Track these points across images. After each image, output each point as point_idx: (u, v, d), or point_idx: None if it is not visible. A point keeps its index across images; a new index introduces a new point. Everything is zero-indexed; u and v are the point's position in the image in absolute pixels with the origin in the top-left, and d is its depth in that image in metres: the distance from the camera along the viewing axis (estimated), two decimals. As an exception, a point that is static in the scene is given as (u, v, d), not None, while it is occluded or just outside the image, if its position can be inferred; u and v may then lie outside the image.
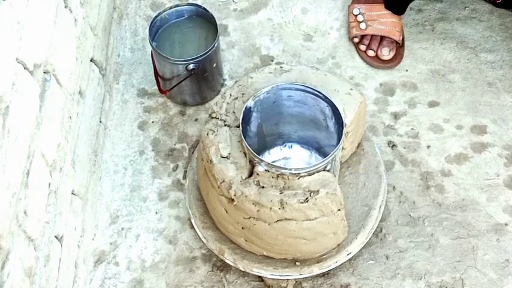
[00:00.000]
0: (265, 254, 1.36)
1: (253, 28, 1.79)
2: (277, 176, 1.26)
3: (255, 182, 1.27)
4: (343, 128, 1.29)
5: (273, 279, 1.37)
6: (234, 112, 1.36)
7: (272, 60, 1.73)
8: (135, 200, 1.52)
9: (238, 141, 1.32)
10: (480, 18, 1.78)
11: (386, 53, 1.69)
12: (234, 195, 1.26)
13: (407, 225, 1.47)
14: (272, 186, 1.26)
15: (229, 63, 1.73)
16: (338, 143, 1.28)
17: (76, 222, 1.34)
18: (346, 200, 1.35)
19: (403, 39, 1.73)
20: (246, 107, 1.31)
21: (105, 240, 1.47)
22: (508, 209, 1.49)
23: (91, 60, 1.49)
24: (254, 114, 1.35)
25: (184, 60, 1.53)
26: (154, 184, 1.54)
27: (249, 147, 1.26)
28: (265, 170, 1.27)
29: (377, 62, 1.71)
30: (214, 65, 1.59)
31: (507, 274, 1.40)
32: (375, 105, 1.65)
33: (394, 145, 1.58)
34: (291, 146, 1.49)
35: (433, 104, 1.65)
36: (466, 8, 1.80)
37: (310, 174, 1.26)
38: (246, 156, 1.29)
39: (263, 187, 1.26)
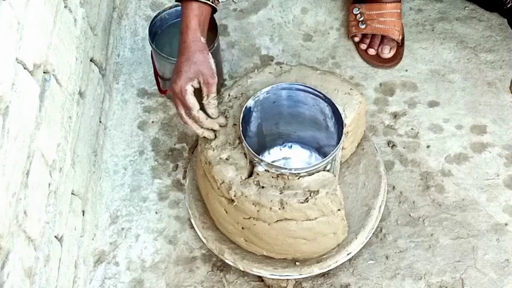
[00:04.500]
0: (265, 254, 1.36)
1: (253, 28, 1.79)
2: (277, 176, 1.26)
3: (255, 182, 1.27)
4: (343, 128, 1.29)
5: (273, 279, 1.37)
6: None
7: (272, 60, 1.73)
8: (135, 200, 1.52)
9: (238, 142, 1.32)
10: (480, 18, 1.78)
11: (387, 52, 1.69)
12: (234, 196, 1.26)
13: (407, 225, 1.47)
14: (272, 186, 1.26)
15: (229, 63, 1.73)
16: (338, 143, 1.28)
17: (76, 222, 1.34)
18: (346, 200, 1.35)
19: (402, 38, 1.73)
20: (245, 107, 1.31)
21: (105, 240, 1.47)
22: (508, 209, 1.49)
23: (91, 60, 1.49)
24: (254, 114, 1.35)
25: (184, 60, 1.53)
26: (154, 184, 1.54)
27: (249, 147, 1.26)
28: (265, 170, 1.27)
29: (377, 61, 1.71)
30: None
31: (507, 274, 1.40)
32: (374, 105, 1.65)
33: (393, 145, 1.58)
34: (291, 146, 1.49)
35: (432, 104, 1.65)
36: (466, 8, 1.80)
37: (310, 174, 1.26)
38: (245, 156, 1.29)
39: (263, 187, 1.26)
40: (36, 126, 1.10)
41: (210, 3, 1.32)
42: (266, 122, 1.40)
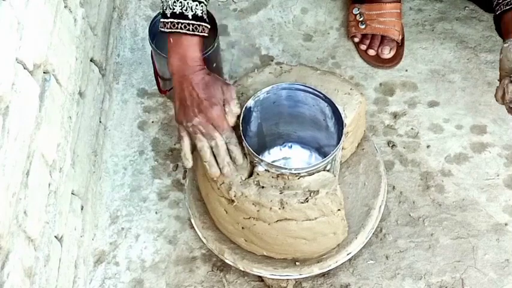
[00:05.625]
0: (265, 254, 1.36)
1: (253, 28, 1.79)
2: (277, 176, 1.26)
3: (255, 182, 1.27)
4: (343, 128, 1.29)
5: (273, 279, 1.37)
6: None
7: (272, 60, 1.73)
8: (135, 200, 1.52)
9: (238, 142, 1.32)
10: (480, 18, 1.78)
11: (386, 52, 1.69)
12: (234, 196, 1.26)
13: (407, 225, 1.47)
14: (272, 186, 1.26)
15: (229, 63, 1.73)
16: (338, 143, 1.28)
17: (76, 222, 1.34)
18: (346, 200, 1.35)
19: (402, 39, 1.73)
20: (245, 107, 1.31)
21: (105, 240, 1.47)
22: (508, 209, 1.49)
23: (91, 60, 1.49)
24: (254, 114, 1.35)
25: (184, 60, 1.52)
26: (154, 184, 1.54)
27: (249, 147, 1.26)
28: (265, 170, 1.27)
29: (377, 62, 1.71)
30: (214, 65, 1.59)
31: (507, 274, 1.40)
32: (374, 105, 1.65)
33: (393, 145, 1.58)
34: (291, 146, 1.49)
35: (432, 104, 1.65)
36: (466, 8, 1.80)
37: (310, 174, 1.26)
38: (246, 156, 1.29)
39: (263, 187, 1.26)
40: (36, 126, 1.10)
41: (200, 33, 1.29)
42: (266, 122, 1.40)
